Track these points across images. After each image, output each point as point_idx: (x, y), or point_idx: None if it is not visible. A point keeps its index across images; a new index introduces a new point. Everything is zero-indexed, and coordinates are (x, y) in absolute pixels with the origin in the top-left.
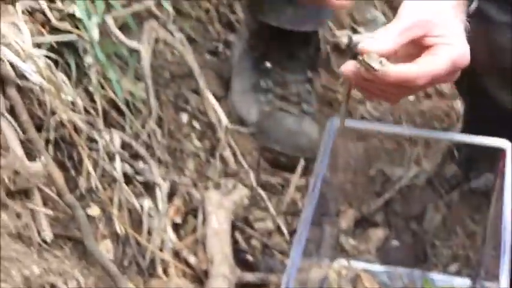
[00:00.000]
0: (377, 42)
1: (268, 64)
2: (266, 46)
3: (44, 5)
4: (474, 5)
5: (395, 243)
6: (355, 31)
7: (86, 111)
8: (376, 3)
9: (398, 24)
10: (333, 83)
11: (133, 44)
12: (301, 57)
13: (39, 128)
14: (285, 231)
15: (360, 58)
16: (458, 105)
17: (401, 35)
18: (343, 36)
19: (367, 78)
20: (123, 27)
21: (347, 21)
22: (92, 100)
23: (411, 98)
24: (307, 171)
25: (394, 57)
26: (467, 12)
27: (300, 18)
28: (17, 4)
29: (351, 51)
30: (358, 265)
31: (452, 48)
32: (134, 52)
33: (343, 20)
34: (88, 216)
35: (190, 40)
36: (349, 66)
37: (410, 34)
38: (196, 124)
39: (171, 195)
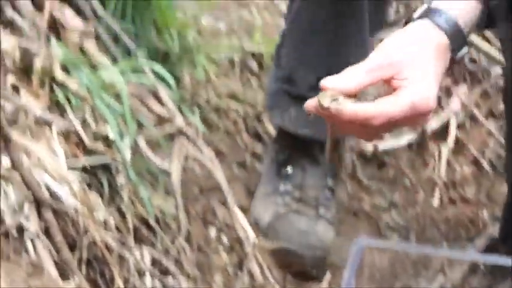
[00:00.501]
0: (337, 80)
1: (289, 169)
2: (289, 152)
3: (78, 127)
4: (464, 52)
5: None
6: None
7: (118, 229)
8: None
9: (367, 63)
10: (358, 193)
11: (164, 164)
12: (322, 163)
13: (72, 248)
14: None
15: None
16: (484, 212)
17: (368, 74)
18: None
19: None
20: (154, 144)
21: None
22: (123, 217)
23: (436, 203)
24: (334, 282)
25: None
26: (455, 58)
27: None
28: (53, 126)
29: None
30: None
31: (414, 92)
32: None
33: None
34: None
35: (218, 152)
36: (311, 103)
37: (378, 74)
38: (224, 238)
39: None
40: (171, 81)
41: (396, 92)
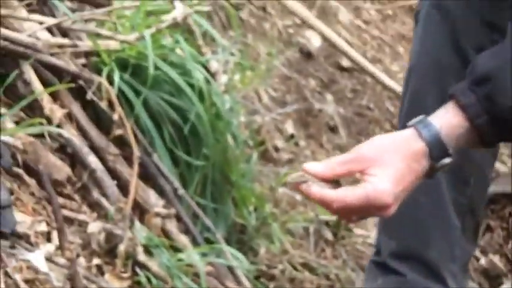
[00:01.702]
0: (315, 166)
1: None
2: None
3: None
4: (446, 162)
5: None
6: None
7: None
8: None
9: (343, 156)
10: None
11: None
12: None
13: None
14: None
15: None
16: None
17: (340, 166)
18: None
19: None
20: None
21: None
22: None
23: None
24: None
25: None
26: (436, 166)
27: None
28: None
29: None
30: None
31: (371, 187)
32: None
33: None
34: None
35: None
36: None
37: (349, 167)
38: None
39: None
40: (246, 262)
41: (358, 184)
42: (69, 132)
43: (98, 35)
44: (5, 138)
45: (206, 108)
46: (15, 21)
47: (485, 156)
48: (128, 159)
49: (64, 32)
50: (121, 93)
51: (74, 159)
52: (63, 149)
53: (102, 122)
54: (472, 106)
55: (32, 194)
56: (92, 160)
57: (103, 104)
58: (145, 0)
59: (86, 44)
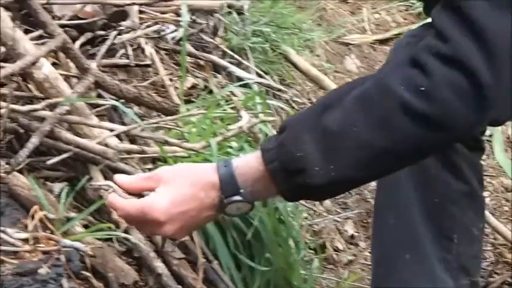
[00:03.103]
0: (122, 177)
1: None
2: None
3: None
4: (236, 199)
5: None
6: None
7: None
8: None
9: (146, 173)
10: None
11: None
12: None
13: None
14: None
15: None
16: None
17: (141, 181)
18: None
19: None
20: None
21: None
22: None
23: None
24: None
25: None
26: (225, 201)
27: None
28: None
29: None
30: None
31: (148, 201)
32: None
33: None
34: None
35: None
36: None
37: (147, 183)
38: None
39: None
40: None
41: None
42: (136, 237)
43: (165, 142)
44: (74, 243)
45: (269, 212)
46: (86, 127)
47: (468, 213)
48: (191, 263)
49: (132, 138)
50: None
51: (141, 263)
52: (130, 253)
53: None
54: (269, 151)
55: None
56: (159, 265)
57: None
58: (212, 108)
59: (153, 150)
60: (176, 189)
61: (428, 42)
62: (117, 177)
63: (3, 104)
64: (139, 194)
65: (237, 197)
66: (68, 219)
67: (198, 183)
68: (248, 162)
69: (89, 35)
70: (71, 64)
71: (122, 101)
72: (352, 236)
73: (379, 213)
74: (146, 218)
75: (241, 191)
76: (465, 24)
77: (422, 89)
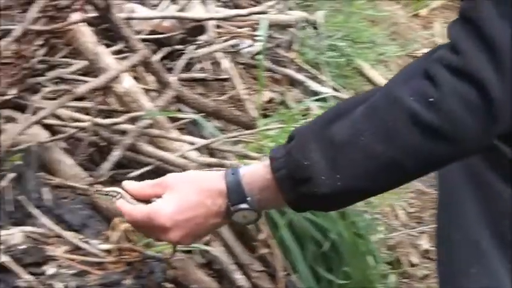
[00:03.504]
0: (131, 184)
1: None
2: None
3: None
4: (242, 207)
5: None
6: None
7: None
8: None
9: (154, 180)
10: None
11: None
12: None
13: None
14: None
15: None
16: None
17: (148, 188)
18: None
19: None
20: None
21: None
22: None
23: None
24: None
25: None
26: (231, 208)
27: None
28: None
29: None
30: None
31: (154, 206)
32: None
33: None
34: None
35: None
36: None
37: (154, 190)
38: None
39: None
40: None
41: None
42: (217, 249)
43: (246, 156)
44: (157, 254)
45: (347, 226)
46: (166, 141)
47: None
48: (270, 275)
49: (211, 151)
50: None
51: (221, 275)
52: (210, 265)
53: (244, 236)
54: (277, 159)
55: None
56: (239, 277)
57: None
58: (289, 122)
59: (230, 163)
60: (182, 195)
61: (441, 54)
62: (126, 183)
63: (87, 117)
64: (147, 201)
65: (244, 205)
66: None
67: (205, 190)
68: (256, 171)
69: (167, 49)
70: (149, 78)
71: (201, 114)
72: (426, 251)
73: (443, 230)
74: (152, 223)
75: (248, 199)
76: (477, 36)
77: (431, 100)
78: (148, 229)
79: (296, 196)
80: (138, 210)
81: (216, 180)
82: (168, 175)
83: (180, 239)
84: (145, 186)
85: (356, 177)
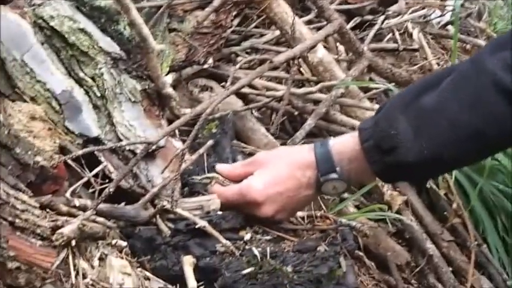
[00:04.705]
0: (224, 166)
1: None
2: None
3: None
4: (332, 177)
5: None
6: None
7: None
8: None
9: (245, 160)
10: None
11: None
12: None
13: None
14: None
15: None
16: None
17: (240, 167)
18: None
19: None
20: None
21: None
22: None
23: None
24: None
25: None
26: (321, 178)
27: None
28: None
29: None
30: None
31: (246, 183)
32: None
33: None
34: None
35: None
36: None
37: (246, 169)
38: None
39: None
40: None
41: None
42: (409, 218)
43: None
44: (351, 222)
45: None
46: (358, 110)
47: None
48: (459, 245)
49: None
50: (457, 182)
51: (411, 244)
52: (401, 234)
53: (434, 207)
54: (365, 130)
55: (372, 276)
56: (430, 246)
57: (441, 192)
58: None
59: None
60: (273, 170)
61: None
62: (219, 166)
63: (281, 86)
64: (241, 181)
65: (333, 175)
66: (341, 200)
67: (294, 163)
68: (345, 142)
69: (357, 19)
70: (340, 48)
71: (393, 84)
72: None
73: None
74: (245, 199)
75: (337, 169)
76: None
77: None
78: (242, 206)
79: (383, 166)
80: (231, 190)
81: (305, 152)
82: (259, 153)
83: (274, 213)
84: (237, 166)
85: (441, 145)
